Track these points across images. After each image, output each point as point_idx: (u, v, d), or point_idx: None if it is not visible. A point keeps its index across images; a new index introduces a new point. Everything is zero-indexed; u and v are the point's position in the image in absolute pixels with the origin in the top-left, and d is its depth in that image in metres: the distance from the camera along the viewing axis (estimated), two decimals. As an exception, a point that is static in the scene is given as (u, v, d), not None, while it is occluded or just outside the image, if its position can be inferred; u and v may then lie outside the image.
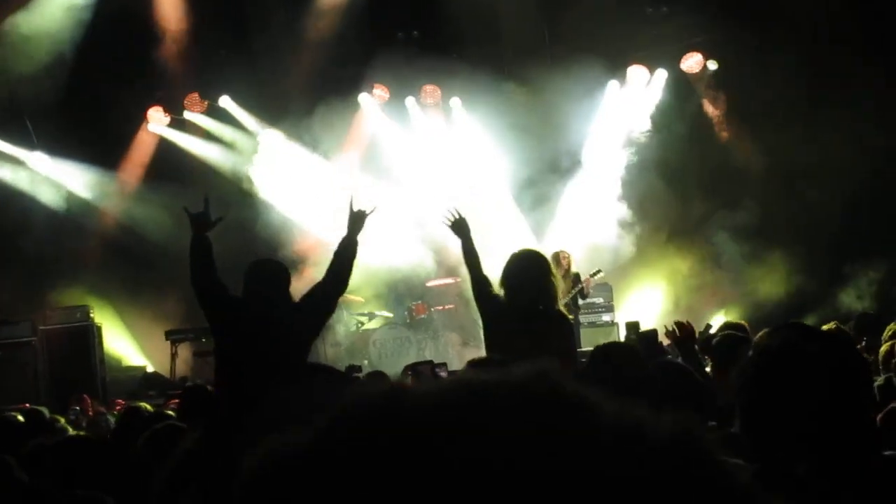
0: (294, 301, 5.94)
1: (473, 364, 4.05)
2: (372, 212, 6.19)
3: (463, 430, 0.77)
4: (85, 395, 10.04)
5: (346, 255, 6.03)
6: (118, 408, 9.46)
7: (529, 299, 5.57)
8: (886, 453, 2.28)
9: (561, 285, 11.53)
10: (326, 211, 14.84)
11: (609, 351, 3.93)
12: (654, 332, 7.22)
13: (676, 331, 5.55)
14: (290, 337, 5.69)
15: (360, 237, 6.11)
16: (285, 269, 6.05)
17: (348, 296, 14.31)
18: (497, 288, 5.74)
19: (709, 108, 15.11)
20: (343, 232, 6.13)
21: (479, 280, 5.81)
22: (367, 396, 0.81)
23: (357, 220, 6.10)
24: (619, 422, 0.79)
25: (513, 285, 5.60)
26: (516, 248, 5.94)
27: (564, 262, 11.59)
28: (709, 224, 14.53)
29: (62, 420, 6.88)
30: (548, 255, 11.11)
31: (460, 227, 6.05)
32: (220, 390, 5.95)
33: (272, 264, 6.15)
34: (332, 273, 6.01)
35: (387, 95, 15.31)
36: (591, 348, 11.85)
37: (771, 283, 14.05)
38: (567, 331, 5.90)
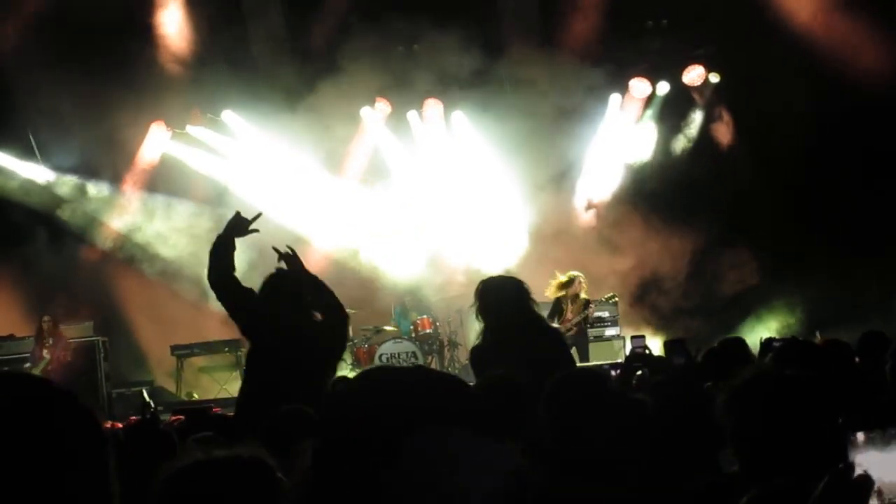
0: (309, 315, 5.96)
1: (490, 380, 3.98)
2: (293, 255, 6.07)
3: None
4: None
5: (321, 294, 6.03)
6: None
7: (524, 326, 5.42)
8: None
9: (568, 306, 11.76)
10: (329, 223, 14.88)
11: None
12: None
13: None
14: (313, 350, 5.88)
15: (307, 269, 6.09)
16: (297, 282, 6.00)
17: (348, 310, 14.28)
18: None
19: (710, 121, 15.12)
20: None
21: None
22: None
23: (293, 262, 6.05)
24: None
25: (499, 318, 5.42)
26: (488, 277, 5.77)
27: (578, 287, 11.90)
28: (712, 236, 14.51)
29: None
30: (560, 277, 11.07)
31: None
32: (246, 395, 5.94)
33: (286, 280, 6.02)
34: (324, 309, 6.03)
35: (389, 109, 15.32)
36: (598, 362, 11.83)
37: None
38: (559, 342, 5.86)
